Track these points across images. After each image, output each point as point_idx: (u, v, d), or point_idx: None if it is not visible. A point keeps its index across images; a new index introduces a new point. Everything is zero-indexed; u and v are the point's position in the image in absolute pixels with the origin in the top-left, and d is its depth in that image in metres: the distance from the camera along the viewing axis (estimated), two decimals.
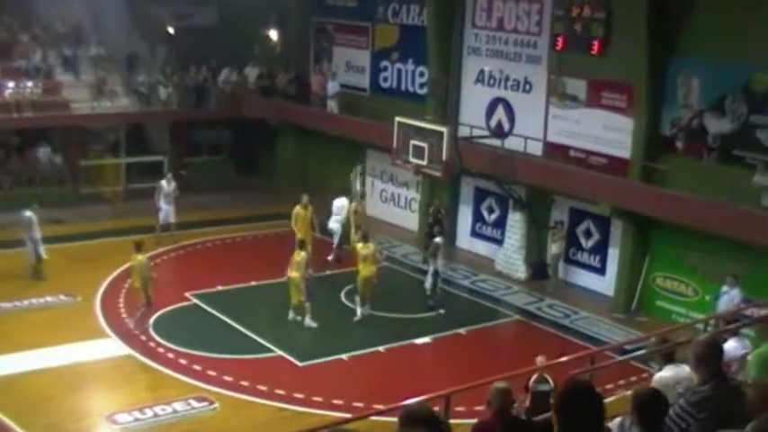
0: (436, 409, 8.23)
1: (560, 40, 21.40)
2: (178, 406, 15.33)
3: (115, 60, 29.06)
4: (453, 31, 24.30)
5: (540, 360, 12.54)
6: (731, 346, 10.66)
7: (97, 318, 19.09)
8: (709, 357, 6.04)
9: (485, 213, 24.74)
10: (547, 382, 12.35)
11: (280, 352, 17.79)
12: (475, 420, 7.67)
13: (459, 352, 18.40)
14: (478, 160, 22.53)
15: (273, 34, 30.97)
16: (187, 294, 20.34)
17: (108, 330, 18.44)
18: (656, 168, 19.96)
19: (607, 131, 21.03)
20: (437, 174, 22.47)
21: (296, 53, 30.07)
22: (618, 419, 6.33)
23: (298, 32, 30.09)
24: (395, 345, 18.39)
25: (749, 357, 9.87)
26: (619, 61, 20.31)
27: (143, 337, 18.04)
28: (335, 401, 15.52)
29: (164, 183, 24.18)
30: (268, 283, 21.22)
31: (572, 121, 21.85)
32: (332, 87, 27.74)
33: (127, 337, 18.12)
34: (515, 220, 23.10)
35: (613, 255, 21.39)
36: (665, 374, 8.63)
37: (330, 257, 22.84)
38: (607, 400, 5.02)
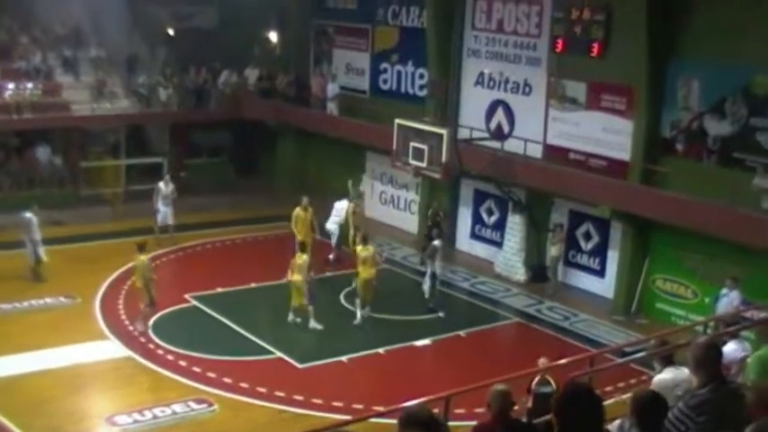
0: (436, 411, 8.23)
1: (560, 42, 21.41)
2: (177, 408, 15.32)
3: (115, 62, 29.06)
4: (453, 33, 24.31)
5: (542, 362, 12.54)
6: (731, 348, 10.68)
7: (97, 319, 19.08)
8: (709, 360, 6.04)
9: (484, 216, 24.74)
10: (549, 383, 12.34)
11: (279, 354, 17.79)
12: (474, 422, 7.68)
13: (459, 354, 18.40)
14: (478, 162, 22.53)
15: (273, 36, 30.99)
16: (187, 296, 20.34)
17: (107, 332, 18.43)
18: (655, 171, 19.96)
19: (607, 134, 21.03)
20: (437, 176, 22.47)
21: (296, 55, 30.08)
22: (617, 422, 6.34)
23: (298, 34, 30.10)
24: (395, 347, 18.39)
25: (749, 360, 9.86)
26: (618, 63, 20.31)
27: (142, 339, 18.04)
28: (335, 403, 15.51)
29: (161, 184, 24.19)
30: (268, 284, 21.23)
31: (572, 124, 21.85)
32: (332, 89, 27.75)
33: (126, 338, 18.12)
34: (515, 223, 23.10)
35: (613, 257, 21.39)
36: (664, 377, 8.63)
37: (331, 256, 22.84)
38: (606, 403, 5.02)
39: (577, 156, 21.69)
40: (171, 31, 30.80)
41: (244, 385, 16.20)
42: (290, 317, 19.05)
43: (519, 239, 22.97)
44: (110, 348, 17.73)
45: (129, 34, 29.68)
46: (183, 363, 17.08)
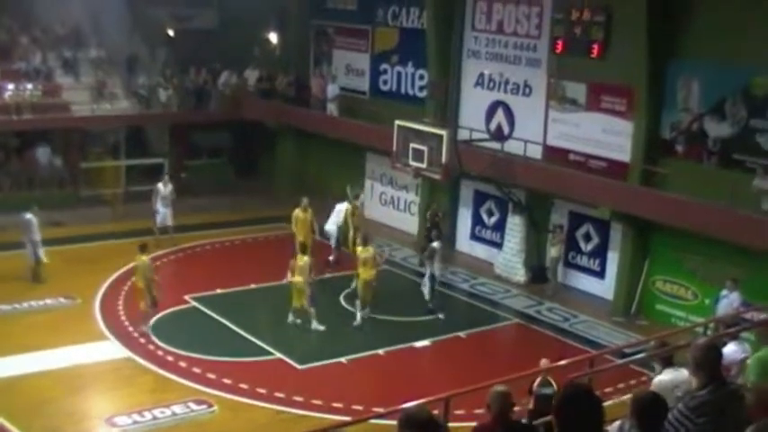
0: (435, 412, 8.22)
1: (560, 43, 21.41)
2: (177, 409, 15.32)
3: (115, 62, 29.07)
4: (453, 33, 24.31)
5: (543, 363, 12.54)
6: (731, 349, 10.68)
7: (96, 320, 19.08)
8: (709, 361, 6.04)
9: (484, 217, 24.74)
10: (550, 384, 12.34)
11: (279, 355, 17.79)
12: (474, 424, 7.67)
13: (459, 355, 18.41)
14: (478, 163, 22.53)
15: (273, 37, 30.99)
16: (186, 297, 20.34)
17: (107, 333, 18.43)
18: (655, 172, 19.96)
19: (607, 135, 21.03)
20: (437, 177, 22.47)
21: (296, 56, 30.09)
22: (617, 423, 6.33)
23: (298, 35, 30.11)
24: (394, 348, 18.39)
25: (749, 361, 9.87)
26: (618, 64, 20.31)
27: (142, 340, 18.04)
28: (335, 404, 15.50)
29: (160, 185, 24.17)
30: (267, 286, 21.21)
31: (572, 125, 21.85)
32: (332, 90, 27.75)
33: (126, 339, 18.12)
34: (515, 224, 23.09)
35: (613, 258, 21.38)
36: (663, 378, 8.63)
37: (331, 258, 22.77)
38: (606, 404, 5.01)
39: (577, 157, 21.69)
40: (171, 32, 30.80)
41: (243, 386, 16.20)
42: (290, 318, 19.05)
43: (519, 240, 22.97)
44: (109, 349, 17.73)
45: (129, 35, 29.69)
46: (182, 364, 17.08)
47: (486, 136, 23.68)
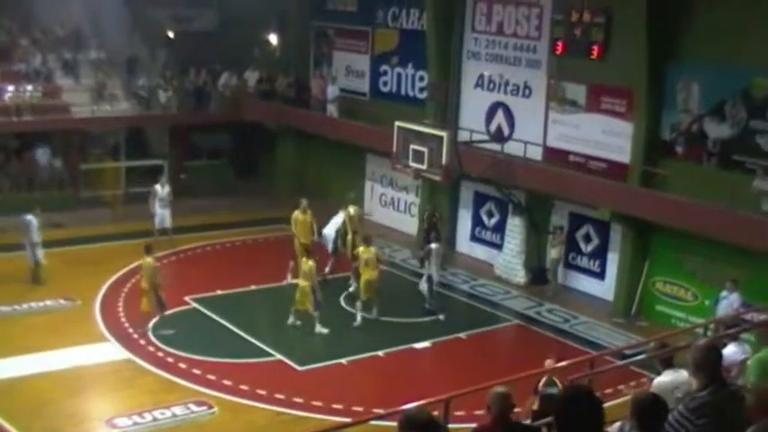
0: (436, 413, 8.23)
1: (560, 44, 21.40)
2: (177, 410, 15.31)
3: (115, 64, 29.09)
4: (453, 35, 24.32)
5: (548, 363, 12.54)
6: (731, 350, 10.68)
7: (97, 322, 19.08)
8: (709, 362, 6.04)
9: (484, 218, 24.74)
10: (555, 385, 12.32)
11: (279, 356, 17.79)
12: (474, 425, 7.67)
13: (459, 356, 18.40)
14: (478, 165, 22.54)
15: (273, 38, 30.99)
16: (187, 298, 20.33)
17: (107, 334, 18.43)
18: (655, 173, 19.97)
19: (607, 136, 21.04)
20: (437, 178, 22.48)
21: (296, 57, 30.09)
22: (617, 424, 6.34)
23: (298, 37, 30.11)
24: (394, 349, 18.39)
25: (749, 362, 9.87)
26: (618, 66, 20.31)
27: (142, 342, 18.04)
28: (335, 406, 15.51)
29: (158, 187, 24.12)
30: (267, 287, 21.25)
31: (572, 126, 21.85)
32: (332, 91, 27.76)
33: (126, 341, 18.11)
34: (515, 225, 23.09)
35: (613, 259, 21.38)
36: (663, 379, 8.63)
37: (327, 269, 21.89)
38: (606, 405, 5.02)
39: (577, 158, 21.69)
40: (171, 34, 30.81)
41: (244, 387, 16.20)
42: (290, 320, 19.04)
43: (519, 242, 22.97)
44: (110, 351, 17.73)
45: (129, 36, 29.73)
46: (182, 365, 17.07)
47: (486, 137, 23.68)
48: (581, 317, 20.64)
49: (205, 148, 30.99)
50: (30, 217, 20.91)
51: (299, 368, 17.36)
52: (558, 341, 19.19)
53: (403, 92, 26.87)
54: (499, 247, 23.76)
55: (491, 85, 23.97)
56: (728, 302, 17.09)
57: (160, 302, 18.59)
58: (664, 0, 19.22)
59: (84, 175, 27.80)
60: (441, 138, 21.91)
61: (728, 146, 18.88)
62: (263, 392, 16.04)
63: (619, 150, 20.70)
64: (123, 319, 19.15)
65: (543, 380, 12.42)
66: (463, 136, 23.67)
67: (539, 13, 22.46)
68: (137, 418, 14.94)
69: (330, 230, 22.58)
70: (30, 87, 26.83)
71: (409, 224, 26.29)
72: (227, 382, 16.33)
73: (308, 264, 18.88)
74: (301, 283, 18.78)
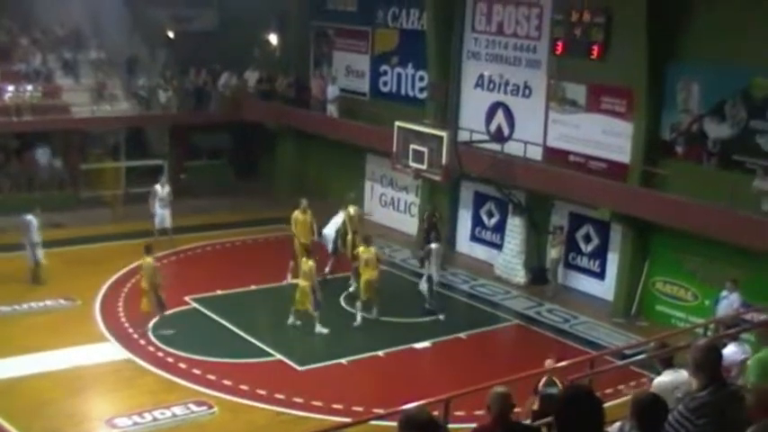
0: (436, 413, 8.23)
1: (560, 44, 21.40)
2: (177, 410, 15.31)
3: (115, 64, 29.09)
4: (453, 35, 24.31)
5: (548, 363, 12.54)
6: (731, 350, 10.68)
7: (97, 322, 19.08)
8: (709, 362, 6.04)
9: (484, 218, 24.74)
10: (555, 385, 12.32)
11: (279, 356, 17.79)
12: (474, 425, 7.67)
13: (459, 356, 18.40)
14: (478, 165, 22.54)
15: (273, 38, 31.00)
16: (187, 298, 20.33)
17: (107, 334, 18.43)
18: (655, 173, 19.97)
19: (607, 136, 21.04)
20: (437, 178, 22.48)
21: (296, 57, 30.09)
22: (617, 424, 6.35)
23: (298, 37, 30.11)
24: (394, 349, 18.39)
25: (749, 362, 9.87)
26: (618, 66, 20.31)
27: (142, 342, 18.04)
28: (335, 406, 15.51)
29: (158, 187, 24.10)
30: (268, 287, 21.25)
31: (572, 126, 21.85)
32: (332, 91, 27.76)
33: (126, 341, 18.11)
34: (515, 225, 23.09)
35: (613, 259, 21.38)
36: (663, 379, 8.63)
37: (327, 269, 21.96)
38: (606, 405, 5.02)
39: (577, 158, 21.69)
40: (171, 34, 30.82)
41: (244, 387, 16.20)
42: (290, 320, 19.03)
43: (519, 242, 22.97)
44: (110, 351, 17.73)
45: (129, 36, 29.73)
46: (182, 365, 17.07)
47: (486, 137, 23.68)
48: (581, 317, 20.64)
49: (205, 148, 30.99)
50: (30, 217, 20.91)
51: (299, 368, 17.36)
52: (558, 341, 19.19)
53: (403, 92, 26.87)
54: (499, 247, 23.76)
55: (491, 85, 23.97)
56: (728, 302, 17.10)
57: (160, 302, 18.60)
58: (664, 0, 19.23)
59: (84, 175, 27.80)
60: (441, 138, 21.91)
61: (728, 146, 18.88)
62: (263, 392, 16.04)
63: (619, 150, 20.70)
64: (123, 319, 19.16)
65: (543, 380, 12.41)
66: (463, 136, 23.67)
67: (539, 13, 22.46)
68: (137, 418, 14.94)
69: (330, 230, 22.54)
70: (30, 87, 26.83)
71: (409, 224, 26.29)
72: (227, 382, 16.33)
73: (308, 264, 18.87)
74: (301, 283, 18.78)
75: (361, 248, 19.78)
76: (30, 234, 20.85)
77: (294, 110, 28.72)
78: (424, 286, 20.64)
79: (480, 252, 24.66)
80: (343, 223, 22.39)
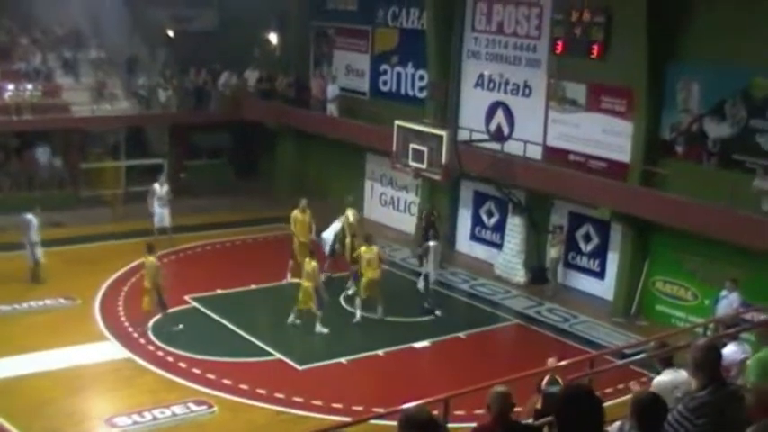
0: (435, 412, 8.23)
1: (560, 43, 21.39)
2: (177, 409, 15.31)
3: (115, 63, 29.09)
4: (453, 34, 24.32)
5: (551, 362, 12.54)
6: (730, 350, 10.68)
7: (96, 321, 19.08)
8: (708, 362, 6.04)
9: (484, 217, 24.74)
10: (558, 383, 12.31)
11: (279, 355, 17.79)
12: (474, 424, 7.67)
13: (459, 356, 18.40)
14: (478, 164, 22.54)
15: (273, 38, 31.00)
16: (186, 298, 20.33)
17: (107, 333, 18.43)
18: (655, 172, 19.97)
19: (607, 135, 21.04)
20: (436, 177, 22.48)
21: (296, 57, 30.09)
22: (617, 423, 6.35)
23: (298, 36, 30.12)
24: (394, 348, 18.39)
25: (748, 362, 9.87)
26: (618, 65, 20.31)
27: (142, 341, 18.04)
28: (335, 405, 15.50)
29: (156, 186, 24.08)
30: (267, 286, 21.25)
31: (572, 125, 21.86)
32: (332, 91, 27.75)
33: (126, 340, 18.12)
34: (515, 224, 23.09)
35: (613, 259, 21.38)
36: (663, 379, 8.63)
37: (322, 276, 21.42)
38: (606, 404, 5.02)
39: (577, 157, 21.69)
40: (171, 33, 30.82)
41: (243, 387, 16.20)
42: (291, 318, 19.03)
43: (519, 241, 22.97)
44: (109, 350, 17.73)
45: (129, 36, 29.71)
46: (182, 364, 17.08)
47: (485, 137, 23.68)
48: (581, 316, 20.64)
49: (205, 147, 30.99)
50: (30, 216, 20.91)
51: (298, 367, 17.36)
52: (557, 340, 19.20)
53: (403, 91, 26.87)
54: (499, 246, 23.76)
55: (491, 85, 23.97)
56: (728, 302, 17.10)
57: (162, 302, 18.59)
58: (664, 0, 19.22)
59: (84, 174, 27.80)
60: (440, 137, 21.91)
61: (728, 145, 18.88)
62: (262, 392, 16.05)
63: (619, 150, 20.70)
64: (123, 318, 19.16)
65: (546, 378, 12.42)
66: (463, 135, 23.67)
67: (539, 12, 22.46)
68: (136, 417, 14.94)
69: (329, 234, 22.48)
70: (30, 86, 26.84)
71: (409, 223, 26.30)
72: (226, 382, 16.34)
73: (311, 264, 18.86)
74: (305, 283, 18.77)
75: (362, 248, 19.75)
76: (29, 233, 20.85)
77: (294, 109, 28.71)
78: (422, 284, 20.65)
79: (480, 251, 24.66)
80: (342, 228, 22.33)
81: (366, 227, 23.31)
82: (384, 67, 27.36)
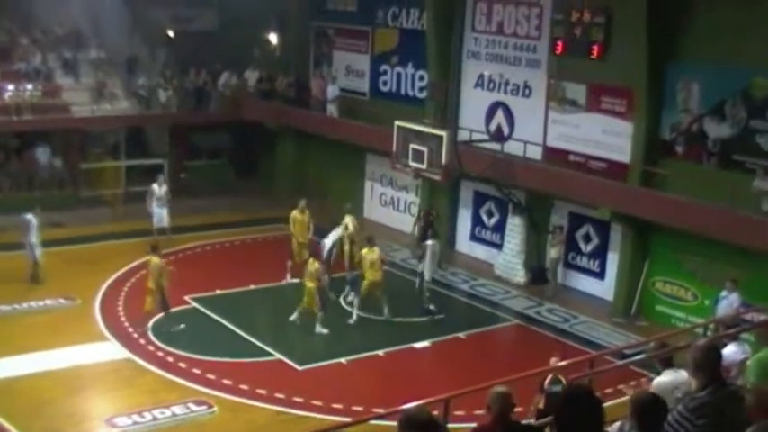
0: (435, 413, 8.23)
1: (560, 44, 21.39)
2: (177, 409, 15.32)
3: (115, 63, 29.09)
4: (453, 35, 24.32)
5: (553, 361, 12.54)
6: (730, 350, 10.68)
7: (96, 321, 19.08)
8: (708, 362, 6.04)
9: (484, 217, 24.74)
10: (561, 383, 12.32)
11: (279, 355, 17.79)
12: (474, 424, 7.67)
13: (459, 356, 18.40)
14: (478, 164, 22.54)
15: (273, 38, 30.99)
16: (186, 298, 20.32)
17: (107, 333, 18.43)
18: (655, 173, 19.97)
19: (607, 136, 21.04)
20: (436, 178, 22.48)
21: (296, 57, 30.09)
22: (617, 423, 6.35)
23: (298, 36, 30.11)
24: (394, 348, 18.39)
25: (748, 362, 9.87)
26: (618, 66, 20.31)
27: (142, 341, 18.04)
28: (335, 405, 15.50)
29: (155, 186, 24.07)
30: (267, 286, 21.24)
31: (572, 126, 21.86)
32: (332, 91, 27.75)
33: (126, 340, 18.12)
34: (515, 225, 23.09)
35: (613, 259, 21.39)
36: (663, 379, 8.63)
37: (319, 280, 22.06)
38: (606, 405, 5.02)
39: (577, 158, 21.69)
40: (171, 33, 30.82)
41: (243, 387, 16.20)
42: (294, 315, 18.99)
43: (519, 241, 22.97)
44: (109, 350, 17.73)
45: (129, 36, 29.71)
46: (182, 364, 17.08)
47: (485, 137, 23.68)
48: (581, 316, 20.64)
49: (205, 147, 30.97)
50: (30, 216, 20.90)
51: (298, 367, 17.36)
52: (557, 341, 19.18)
53: (403, 91, 26.87)
54: (499, 246, 23.76)
55: (491, 85, 23.97)
56: (728, 302, 17.10)
57: (165, 302, 18.58)
58: (664, 0, 19.23)
59: (84, 174, 27.80)
60: (440, 137, 21.91)
61: (728, 146, 18.88)
62: (262, 392, 16.05)
63: (619, 150, 20.70)
64: (123, 319, 19.16)
65: (549, 378, 12.42)
66: (463, 136, 23.67)
67: (539, 12, 22.46)
68: (136, 418, 14.95)
69: (328, 241, 22.41)
70: (30, 86, 26.84)
71: (409, 224, 26.19)
72: (226, 382, 16.34)
73: (313, 265, 18.86)
74: (308, 284, 18.76)
75: (364, 250, 19.71)
76: (28, 233, 20.85)
77: (294, 110, 28.71)
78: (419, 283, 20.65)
79: (480, 252, 24.66)
80: (340, 237, 22.23)
81: (366, 227, 23.31)
82: (384, 67, 27.36)
